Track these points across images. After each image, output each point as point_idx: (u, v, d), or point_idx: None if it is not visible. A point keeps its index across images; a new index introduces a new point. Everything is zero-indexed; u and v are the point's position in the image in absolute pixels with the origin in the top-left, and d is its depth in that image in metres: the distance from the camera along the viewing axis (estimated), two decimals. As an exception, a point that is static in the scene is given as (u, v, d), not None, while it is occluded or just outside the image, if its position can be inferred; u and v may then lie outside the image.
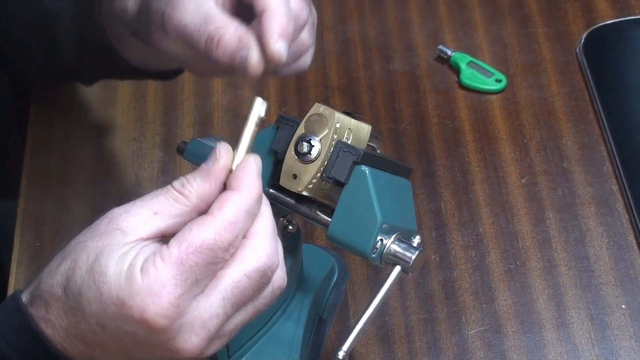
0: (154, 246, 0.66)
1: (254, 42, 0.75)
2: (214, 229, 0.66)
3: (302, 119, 0.79)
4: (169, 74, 0.96)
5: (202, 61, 0.79)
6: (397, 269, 0.76)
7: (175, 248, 0.65)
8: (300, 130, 0.78)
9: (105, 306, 0.65)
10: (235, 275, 0.67)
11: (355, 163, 0.76)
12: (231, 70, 0.76)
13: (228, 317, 0.67)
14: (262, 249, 0.68)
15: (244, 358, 0.83)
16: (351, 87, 1.12)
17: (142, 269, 0.65)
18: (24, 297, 0.69)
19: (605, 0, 1.17)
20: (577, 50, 1.13)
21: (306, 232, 0.97)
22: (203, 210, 0.68)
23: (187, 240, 0.65)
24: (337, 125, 0.77)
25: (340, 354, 0.74)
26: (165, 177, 1.04)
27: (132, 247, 0.66)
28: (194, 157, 0.84)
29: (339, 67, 1.14)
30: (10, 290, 0.96)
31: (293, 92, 1.11)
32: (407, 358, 0.91)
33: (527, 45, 1.14)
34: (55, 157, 1.06)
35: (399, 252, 0.76)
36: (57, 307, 0.67)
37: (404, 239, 0.77)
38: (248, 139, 0.71)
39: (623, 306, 0.94)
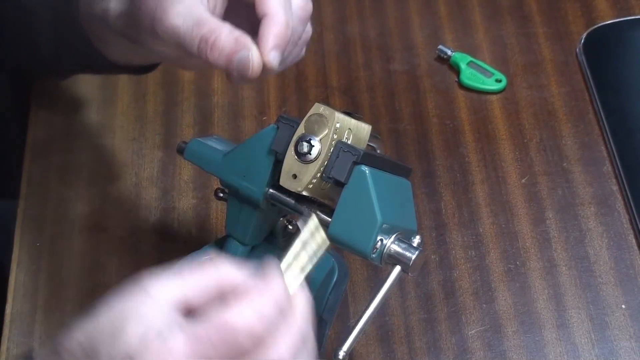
0: (180, 317, 0.64)
1: (253, 43, 0.75)
2: (239, 326, 0.63)
3: (302, 119, 0.79)
4: (146, 69, 0.95)
5: (193, 60, 0.78)
6: (397, 269, 0.76)
7: (201, 327, 0.63)
8: (300, 130, 0.78)
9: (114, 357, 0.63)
10: None
11: (355, 163, 0.76)
12: (226, 71, 0.76)
13: None
14: (286, 348, 0.64)
15: (244, 358, 0.82)
16: (351, 87, 1.12)
17: (158, 332, 0.63)
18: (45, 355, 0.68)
19: (605, 0, 1.17)
20: (577, 50, 1.13)
21: (306, 232, 0.97)
22: (227, 293, 0.66)
23: (209, 318, 0.63)
24: (337, 125, 0.77)
25: (340, 354, 0.74)
26: (165, 177, 1.04)
27: (157, 319, 0.64)
28: (194, 157, 0.84)
29: (339, 67, 1.14)
30: (10, 291, 0.96)
31: (293, 92, 1.11)
32: (407, 358, 0.91)
33: (527, 45, 1.14)
34: (55, 157, 1.06)
35: (399, 252, 0.76)
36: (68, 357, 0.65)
37: (404, 239, 0.77)
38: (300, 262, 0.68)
39: (623, 306, 0.94)
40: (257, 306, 0.64)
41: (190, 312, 0.65)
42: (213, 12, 0.78)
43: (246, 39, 0.75)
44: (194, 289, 0.66)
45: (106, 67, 0.93)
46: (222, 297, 0.65)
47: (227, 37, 0.75)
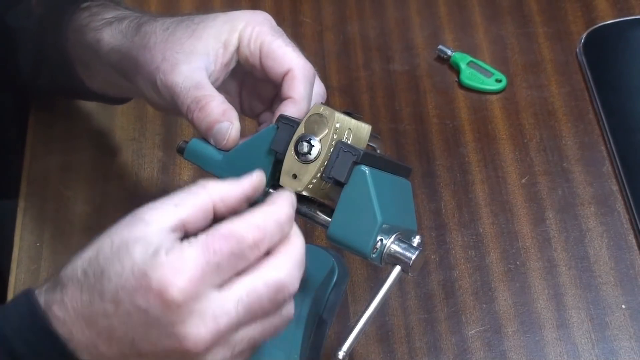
0: (177, 235, 0.69)
1: (237, 119, 0.81)
2: (241, 224, 0.68)
3: (302, 119, 0.79)
4: (120, 100, 1.00)
5: (170, 109, 0.84)
6: (397, 269, 0.76)
7: (202, 235, 0.68)
8: (300, 130, 0.78)
9: (126, 279, 0.67)
10: (255, 281, 0.68)
11: (355, 163, 0.76)
12: (202, 134, 0.81)
13: (239, 321, 0.68)
14: (285, 267, 0.69)
15: (244, 358, 0.82)
16: (351, 87, 1.12)
17: (167, 250, 0.67)
18: (38, 290, 0.70)
19: (605, 0, 1.17)
20: (577, 50, 1.13)
21: (306, 232, 0.97)
22: (222, 212, 0.70)
23: (216, 229, 0.68)
24: (337, 125, 0.77)
25: (340, 354, 0.74)
26: (165, 177, 1.04)
27: (157, 236, 0.68)
28: (194, 157, 0.84)
29: (339, 67, 1.14)
30: (10, 291, 0.96)
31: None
32: (407, 358, 0.91)
33: (527, 45, 1.14)
34: (55, 157, 1.06)
35: (399, 252, 0.76)
36: (73, 288, 0.69)
37: (404, 239, 0.77)
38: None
39: (623, 306, 0.94)
40: (259, 221, 0.69)
41: (187, 235, 0.69)
42: (213, 82, 0.83)
43: (232, 113, 0.81)
44: (188, 212, 0.69)
45: (83, 93, 0.97)
46: (218, 216, 0.70)
47: (217, 105, 0.81)
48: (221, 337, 0.68)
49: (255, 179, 0.73)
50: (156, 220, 0.69)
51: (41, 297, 0.70)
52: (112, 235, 0.69)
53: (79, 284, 0.68)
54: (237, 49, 0.84)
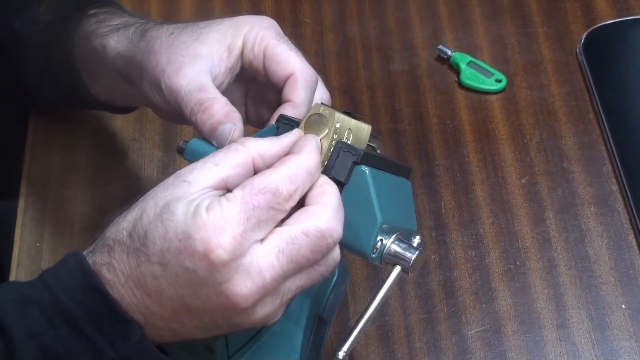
0: (219, 193, 0.70)
1: (240, 121, 0.81)
2: (275, 177, 0.70)
3: (302, 119, 0.79)
4: (124, 110, 1.01)
5: (175, 116, 0.85)
6: (397, 269, 0.76)
7: (239, 190, 0.69)
8: (300, 130, 0.78)
9: (170, 242, 0.68)
10: (293, 231, 0.70)
11: (355, 163, 0.76)
12: (205, 135, 0.82)
13: (284, 272, 0.69)
14: (323, 215, 0.71)
15: (244, 358, 0.82)
16: (351, 87, 1.12)
17: (207, 207, 0.68)
18: (86, 251, 0.72)
19: (605, 0, 1.17)
20: (577, 50, 1.13)
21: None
22: (261, 168, 0.72)
23: (250, 184, 0.69)
24: (337, 125, 0.77)
25: (340, 354, 0.74)
26: (165, 177, 1.04)
27: (199, 194, 0.70)
28: (194, 157, 0.84)
29: (339, 67, 1.14)
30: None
31: (293, 92, 1.11)
32: (407, 358, 0.91)
33: (527, 45, 1.14)
34: (55, 157, 1.06)
35: (399, 252, 0.76)
36: (120, 250, 0.70)
37: (404, 239, 0.77)
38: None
39: (623, 306, 0.94)
40: (291, 172, 0.71)
41: (227, 188, 0.71)
42: (218, 86, 0.84)
43: (236, 115, 0.81)
44: (229, 171, 0.71)
45: (87, 101, 0.97)
46: (257, 172, 0.72)
47: (220, 107, 0.81)
48: (270, 290, 0.69)
49: (294, 137, 0.75)
50: (198, 180, 0.70)
51: (89, 259, 0.71)
52: (156, 197, 0.71)
53: (125, 246, 0.70)
54: (242, 53, 0.84)
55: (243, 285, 0.68)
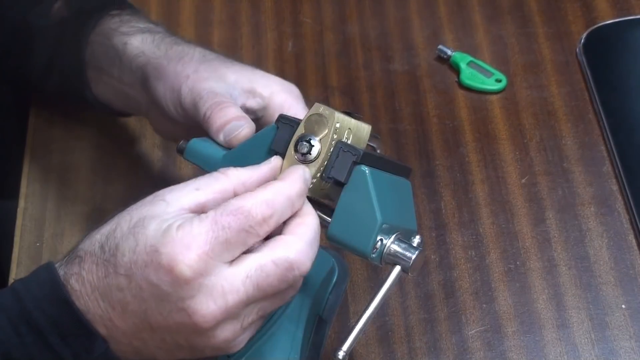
0: (195, 216, 0.70)
1: (252, 127, 0.83)
2: (250, 201, 0.70)
3: (302, 119, 0.79)
4: (121, 114, 1.02)
5: (169, 125, 0.88)
6: (397, 269, 0.76)
7: (212, 211, 0.70)
8: (300, 130, 0.78)
9: (138, 254, 0.69)
10: (263, 259, 0.70)
11: (355, 163, 0.76)
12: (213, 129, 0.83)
13: (248, 298, 0.69)
14: (295, 246, 0.71)
15: (244, 358, 0.82)
16: (351, 87, 1.12)
17: (179, 226, 0.69)
18: (59, 262, 0.73)
19: (605, 0, 1.17)
20: (577, 50, 1.13)
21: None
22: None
23: (224, 205, 0.70)
24: (337, 125, 0.77)
25: (340, 354, 0.74)
26: (165, 177, 1.04)
27: (174, 215, 0.70)
28: (194, 157, 0.84)
29: (339, 67, 1.14)
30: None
31: (293, 92, 1.11)
32: (407, 358, 0.91)
33: (527, 45, 1.14)
34: (55, 157, 1.06)
35: (399, 252, 0.76)
36: (90, 261, 0.71)
37: (404, 239, 0.77)
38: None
39: (623, 306, 0.94)
40: (268, 197, 0.71)
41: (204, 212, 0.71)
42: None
43: (249, 121, 0.83)
44: (208, 195, 0.72)
45: (88, 99, 0.98)
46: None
47: (237, 110, 0.83)
48: (230, 313, 0.69)
49: (273, 164, 0.75)
50: (176, 201, 0.71)
51: (61, 270, 0.72)
52: (132, 212, 0.71)
53: (96, 257, 0.71)
54: (262, 108, 0.86)
55: (205, 305, 0.68)
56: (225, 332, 0.70)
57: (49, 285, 0.71)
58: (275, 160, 0.76)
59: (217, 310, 0.69)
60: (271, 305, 0.72)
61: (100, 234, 0.72)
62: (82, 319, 0.70)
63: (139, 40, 0.91)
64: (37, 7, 1.00)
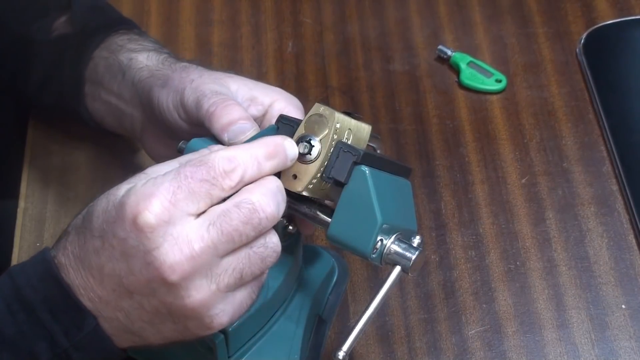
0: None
1: (257, 127, 0.82)
2: (214, 155, 0.71)
3: (302, 119, 0.79)
4: (114, 133, 1.02)
5: (163, 137, 0.89)
6: (397, 269, 0.76)
7: (175, 164, 0.72)
8: (300, 130, 0.78)
9: (108, 213, 0.70)
10: (225, 205, 0.71)
11: (355, 163, 0.76)
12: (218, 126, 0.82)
13: (214, 245, 0.70)
14: (257, 190, 0.72)
15: (244, 358, 0.83)
16: (351, 87, 1.12)
17: (145, 182, 0.70)
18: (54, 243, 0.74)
19: (605, 0, 1.17)
20: (577, 50, 1.13)
21: (306, 232, 0.97)
22: None
23: (187, 160, 0.72)
24: (337, 125, 0.77)
25: (340, 354, 0.74)
26: (165, 177, 1.04)
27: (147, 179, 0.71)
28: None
29: (338, 67, 1.14)
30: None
31: (293, 92, 1.10)
32: (407, 358, 0.91)
33: (527, 45, 1.14)
34: (55, 158, 1.06)
35: (399, 252, 0.76)
36: (73, 233, 0.73)
37: (404, 239, 0.77)
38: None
39: (623, 306, 0.94)
40: (231, 153, 0.71)
41: None
42: None
43: (254, 122, 0.82)
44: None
45: (82, 116, 0.99)
46: None
47: (242, 110, 0.83)
48: (199, 265, 0.69)
49: (270, 141, 0.75)
50: (155, 173, 0.72)
51: (53, 250, 0.73)
52: (113, 187, 0.73)
53: (77, 228, 0.72)
54: (262, 115, 0.86)
55: (171, 254, 0.69)
56: (200, 291, 0.70)
57: (40, 264, 0.72)
58: (276, 138, 0.76)
59: (184, 258, 0.69)
60: (248, 265, 0.72)
61: (85, 209, 0.73)
62: (70, 293, 0.71)
63: (145, 57, 0.92)
64: (40, 22, 1.01)
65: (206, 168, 0.70)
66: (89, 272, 0.71)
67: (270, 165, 0.74)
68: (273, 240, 0.73)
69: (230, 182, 0.71)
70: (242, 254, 0.72)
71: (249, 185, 0.72)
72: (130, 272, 0.70)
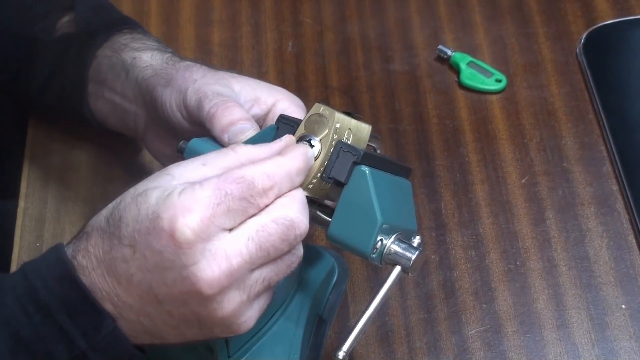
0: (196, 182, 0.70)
1: (257, 127, 0.82)
2: (253, 171, 0.71)
3: (302, 119, 0.79)
4: (117, 133, 1.02)
5: (165, 136, 0.89)
6: (397, 269, 0.76)
7: (215, 177, 0.70)
8: (301, 130, 0.78)
9: (141, 223, 0.69)
10: (263, 219, 0.70)
11: (355, 163, 0.76)
12: (219, 127, 0.82)
13: (252, 260, 0.69)
14: (292, 206, 0.71)
15: (244, 358, 0.83)
16: (351, 87, 1.12)
17: (181, 192, 0.69)
18: (68, 241, 0.73)
19: (605, 0, 1.17)
20: (577, 50, 1.13)
21: (306, 232, 0.97)
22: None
23: (227, 174, 0.70)
24: (337, 125, 0.77)
25: (340, 354, 0.74)
26: (165, 177, 1.04)
27: (174, 182, 0.70)
28: (194, 156, 0.84)
29: (339, 67, 1.14)
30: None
31: (293, 92, 1.11)
32: (407, 358, 0.91)
33: (527, 45, 1.14)
34: (55, 157, 1.06)
35: (399, 252, 0.76)
36: (96, 235, 0.71)
37: (404, 239, 0.77)
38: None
39: (623, 306, 0.94)
40: (269, 170, 0.71)
41: None
42: None
43: (254, 122, 0.83)
44: (215, 171, 0.71)
45: (84, 115, 0.98)
46: None
47: (243, 111, 0.83)
48: (235, 278, 0.69)
49: (283, 141, 0.76)
50: (181, 175, 0.71)
51: (69, 248, 0.72)
52: (137, 187, 0.71)
53: (102, 231, 0.71)
54: (265, 115, 0.86)
55: (209, 270, 0.68)
56: (232, 302, 0.70)
57: (56, 264, 0.71)
58: (287, 138, 0.76)
59: (222, 274, 0.68)
60: (276, 273, 0.72)
61: (106, 209, 0.72)
62: (88, 295, 0.70)
63: (149, 56, 0.92)
64: (43, 21, 1.01)
65: (247, 185, 0.70)
66: (114, 279, 0.70)
67: (300, 180, 0.74)
68: (299, 252, 0.74)
69: (267, 201, 0.71)
70: (272, 265, 0.72)
71: (283, 200, 0.72)
72: (164, 284, 0.69)
